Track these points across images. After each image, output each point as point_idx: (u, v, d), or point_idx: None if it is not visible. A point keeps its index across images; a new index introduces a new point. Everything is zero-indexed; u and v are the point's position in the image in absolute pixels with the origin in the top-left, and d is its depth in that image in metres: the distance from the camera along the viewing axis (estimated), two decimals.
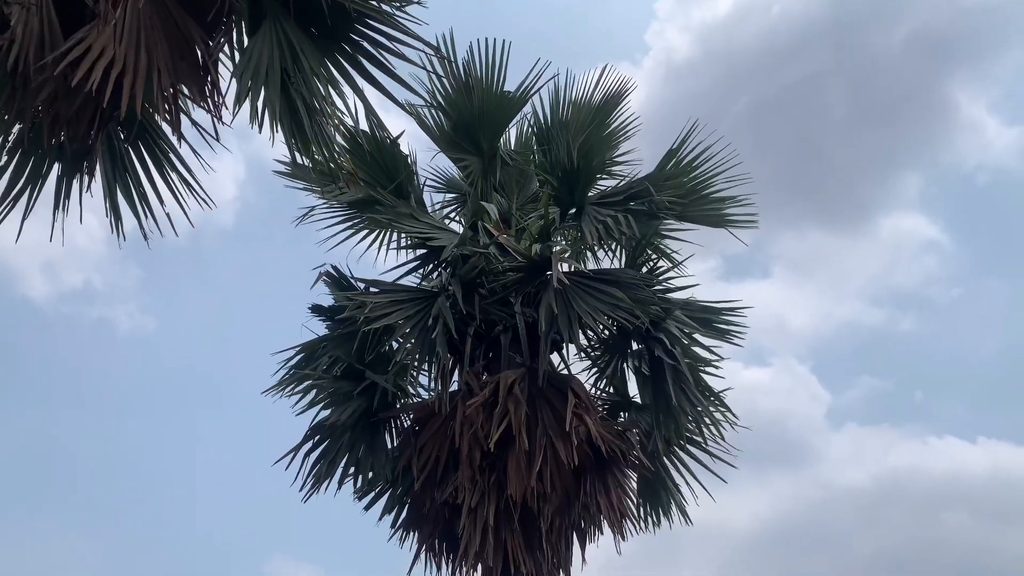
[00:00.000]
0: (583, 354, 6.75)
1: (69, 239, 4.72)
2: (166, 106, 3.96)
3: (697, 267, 7.02)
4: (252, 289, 18.19)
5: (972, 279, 18.33)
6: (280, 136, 4.26)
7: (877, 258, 17.96)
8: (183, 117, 4.20)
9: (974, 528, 15.28)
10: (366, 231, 7.23)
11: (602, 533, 6.39)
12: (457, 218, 7.59)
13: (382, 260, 7.25)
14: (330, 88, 4.32)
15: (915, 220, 18.16)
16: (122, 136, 4.65)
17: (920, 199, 18.22)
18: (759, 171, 7.16)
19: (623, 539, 6.27)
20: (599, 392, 6.90)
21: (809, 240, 17.95)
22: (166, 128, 4.65)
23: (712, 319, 6.77)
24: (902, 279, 18.26)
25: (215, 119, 4.24)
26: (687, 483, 6.84)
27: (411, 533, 6.48)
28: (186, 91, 4.16)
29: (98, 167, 4.58)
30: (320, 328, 6.65)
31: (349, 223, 7.07)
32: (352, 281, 6.53)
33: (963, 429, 18.03)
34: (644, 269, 6.66)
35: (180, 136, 4.19)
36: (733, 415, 6.60)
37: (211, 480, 16.64)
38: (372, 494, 6.60)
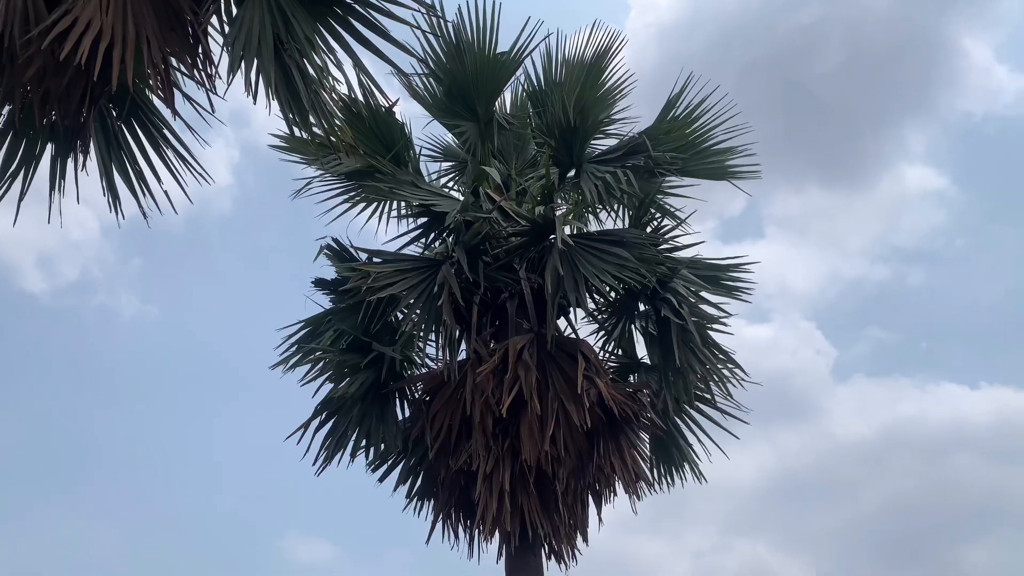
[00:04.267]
0: (590, 317, 6.71)
1: (64, 232, 4.63)
2: (158, 78, 3.86)
3: (694, 229, 6.96)
4: (254, 273, 18.12)
5: (978, 229, 18.22)
6: (276, 108, 4.15)
7: (881, 212, 17.80)
8: (176, 92, 4.11)
9: (982, 470, 15.42)
10: (364, 203, 7.14)
11: (616, 494, 6.40)
12: (456, 186, 7.50)
13: (382, 232, 7.18)
14: (324, 55, 4.21)
15: (921, 172, 17.97)
16: (114, 113, 4.56)
17: (926, 150, 18.02)
18: (754, 130, 7.08)
19: (638, 499, 6.29)
20: (607, 355, 6.86)
21: (810, 198, 17.81)
22: (159, 105, 4.56)
23: (719, 276, 6.72)
24: (908, 232, 18.13)
25: (209, 91, 4.15)
26: (699, 440, 6.84)
27: (426, 502, 6.48)
28: (176, 63, 4.06)
29: (92, 147, 4.49)
30: (324, 303, 6.60)
31: (347, 195, 6.98)
32: (354, 252, 6.46)
33: (966, 376, 18.07)
34: (648, 229, 6.59)
35: (173, 110, 4.09)
36: (743, 371, 6.58)
37: (222, 461, 16.73)
38: (385, 466, 6.59)
